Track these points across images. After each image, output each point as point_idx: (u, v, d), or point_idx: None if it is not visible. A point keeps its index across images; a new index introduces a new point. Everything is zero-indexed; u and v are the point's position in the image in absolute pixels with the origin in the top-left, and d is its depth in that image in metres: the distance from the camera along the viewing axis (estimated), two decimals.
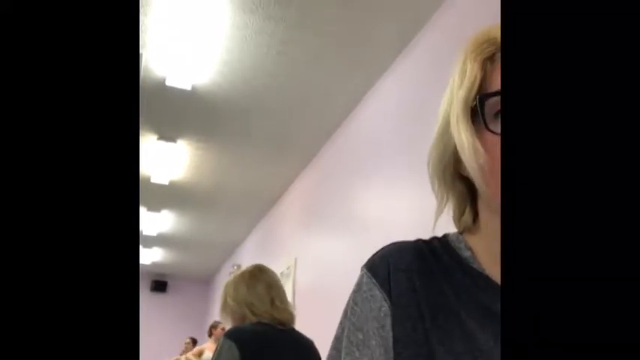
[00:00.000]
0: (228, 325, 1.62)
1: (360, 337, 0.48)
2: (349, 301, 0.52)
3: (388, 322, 0.47)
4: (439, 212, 0.54)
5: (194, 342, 6.57)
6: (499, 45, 0.46)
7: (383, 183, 3.09)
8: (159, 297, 9.72)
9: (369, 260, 0.52)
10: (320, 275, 3.73)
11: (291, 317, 1.61)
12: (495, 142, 0.44)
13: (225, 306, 1.65)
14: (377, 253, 0.52)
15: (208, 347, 3.85)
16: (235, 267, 7.10)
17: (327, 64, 3.24)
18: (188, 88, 3.56)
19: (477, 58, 0.47)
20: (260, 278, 1.64)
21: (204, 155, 4.67)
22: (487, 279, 0.49)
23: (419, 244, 0.52)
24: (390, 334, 0.46)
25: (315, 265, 4.03)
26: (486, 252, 0.50)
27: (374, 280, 0.49)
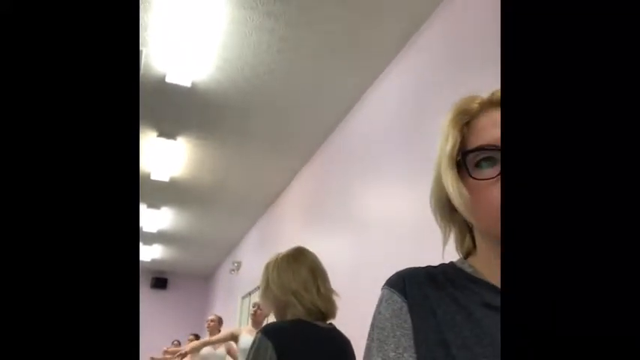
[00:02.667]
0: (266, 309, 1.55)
1: (386, 333, 0.58)
2: (374, 314, 0.62)
3: (408, 318, 0.58)
4: (445, 241, 0.67)
5: (197, 338, 6.57)
6: (472, 114, 0.63)
7: (382, 180, 3.09)
8: (159, 294, 9.74)
9: (387, 280, 0.63)
10: None
11: (333, 307, 1.57)
12: (476, 184, 0.58)
13: (267, 291, 1.58)
14: (393, 274, 0.64)
15: (248, 330, 3.75)
16: (235, 264, 7.11)
17: (326, 61, 3.24)
18: (188, 84, 3.56)
19: (455, 126, 0.63)
20: (303, 262, 1.59)
21: (204, 152, 4.67)
22: (487, 283, 0.59)
23: (428, 267, 0.64)
24: (411, 326, 0.57)
25: None
26: (485, 267, 0.61)
27: (392, 289, 0.61)
